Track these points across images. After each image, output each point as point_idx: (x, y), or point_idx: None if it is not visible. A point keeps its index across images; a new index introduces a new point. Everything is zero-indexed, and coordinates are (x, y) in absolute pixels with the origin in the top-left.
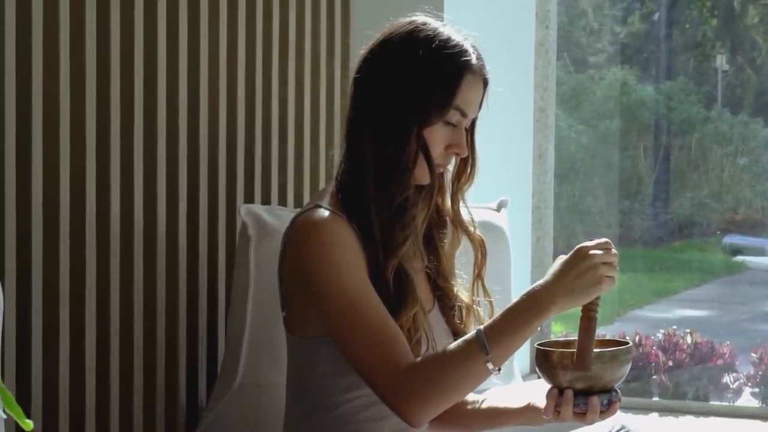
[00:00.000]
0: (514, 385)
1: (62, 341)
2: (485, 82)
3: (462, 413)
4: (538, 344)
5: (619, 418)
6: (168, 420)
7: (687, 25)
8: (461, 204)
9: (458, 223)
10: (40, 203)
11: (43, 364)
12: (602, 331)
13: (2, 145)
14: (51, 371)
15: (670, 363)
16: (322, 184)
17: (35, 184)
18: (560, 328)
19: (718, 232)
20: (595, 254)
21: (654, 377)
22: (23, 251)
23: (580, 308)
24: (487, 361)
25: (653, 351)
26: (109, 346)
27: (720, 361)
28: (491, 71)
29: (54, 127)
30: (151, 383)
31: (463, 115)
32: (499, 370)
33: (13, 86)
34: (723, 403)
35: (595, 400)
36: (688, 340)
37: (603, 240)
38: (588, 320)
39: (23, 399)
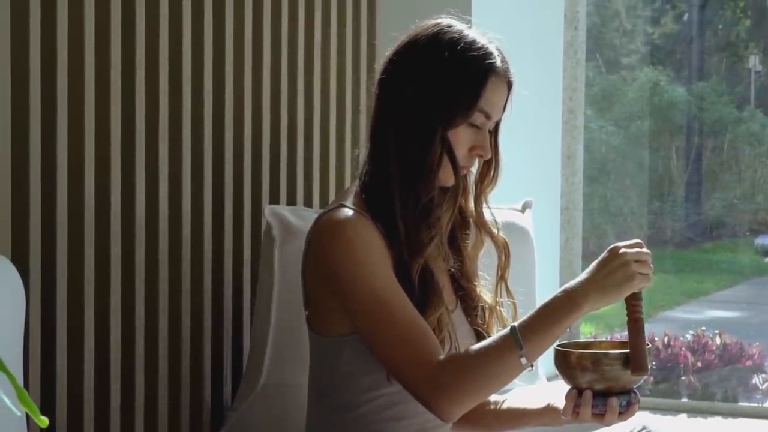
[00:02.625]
0: (537, 387)
1: (87, 341)
2: (509, 85)
3: (483, 413)
4: (557, 345)
5: (643, 418)
6: (193, 420)
7: (720, 26)
8: (484, 206)
9: (481, 225)
10: (65, 202)
11: (68, 364)
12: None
13: (27, 146)
14: (76, 370)
15: (699, 364)
16: (347, 185)
17: (60, 183)
18: (590, 329)
19: (747, 233)
20: (626, 252)
21: (683, 378)
22: (48, 251)
23: (626, 314)
24: (521, 356)
25: (682, 352)
26: (134, 345)
27: (749, 362)
28: (518, 73)
29: (79, 126)
30: (176, 383)
31: (487, 117)
32: (532, 366)
33: (38, 87)
34: (752, 404)
35: (614, 401)
36: (717, 341)
37: (634, 241)
38: (635, 321)
39: (48, 398)
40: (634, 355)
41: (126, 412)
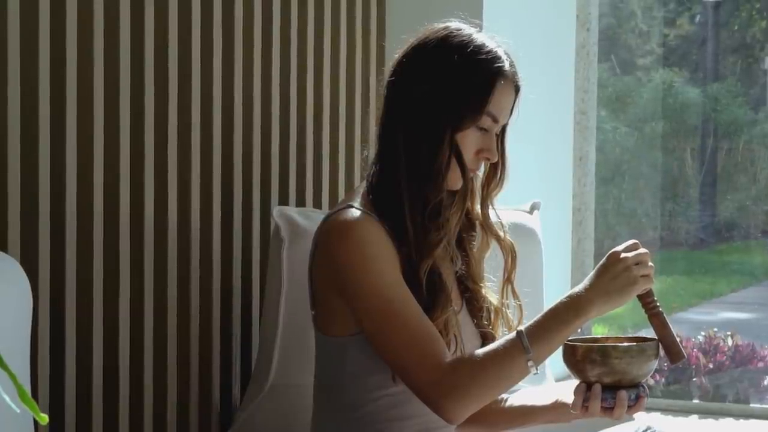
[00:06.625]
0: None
1: (95, 341)
2: (517, 89)
3: (489, 411)
4: (567, 340)
5: (650, 418)
6: (202, 420)
7: (735, 27)
8: (491, 209)
9: (488, 227)
10: (74, 203)
11: (77, 364)
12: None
13: (36, 147)
14: (85, 371)
15: (711, 365)
16: (356, 187)
17: (69, 185)
18: (602, 329)
19: (760, 235)
20: (626, 257)
21: (694, 379)
22: (57, 252)
23: (645, 312)
24: (528, 361)
25: (693, 353)
26: (143, 346)
27: (761, 364)
28: (530, 74)
29: (88, 127)
30: (185, 384)
31: (495, 120)
32: (537, 370)
33: (47, 88)
34: (763, 406)
35: (623, 395)
36: (729, 342)
37: (631, 242)
38: (655, 316)
39: (57, 398)
40: (666, 346)
41: (135, 412)
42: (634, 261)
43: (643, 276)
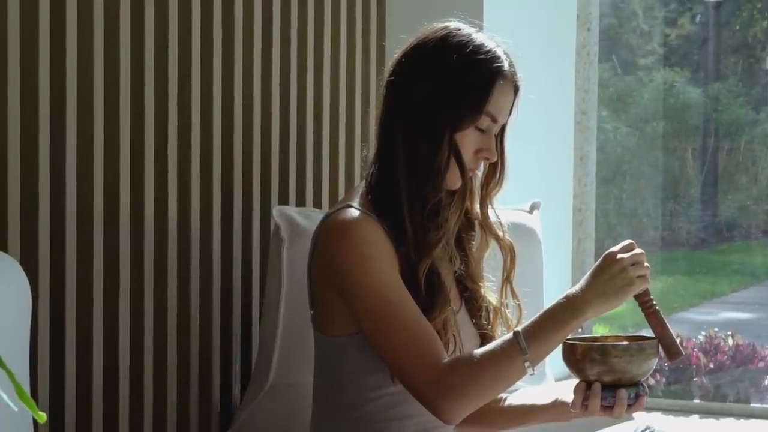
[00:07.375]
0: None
1: (95, 341)
2: (516, 89)
3: (488, 410)
4: (566, 339)
5: (651, 418)
6: (202, 419)
7: (736, 27)
8: (490, 208)
9: (487, 227)
10: (74, 203)
11: (77, 364)
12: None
13: (36, 147)
14: (85, 371)
15: (711, 365)
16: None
17: (69, 185)
18: (603, 329)
19: (761, 235)
20: (623, 258)
21: (695, 379)
22: (57, 253)
23: (642, 312)
24: (525, 361)
25: (694, 353)
26: (143, 346)
27: (761, 364)
28: (530, 74)
29: (88, 127)
30: (185, 383)
31: (494, 120)
32: (534, 371)
33: (47, 89)
34: (764, 406)
35: (623, 393)
36: (729, 342)
37: (627, 242)
38: (653, 315)
39: (57, 398)
40: (665, 345)
41: (135, 412)
42: (630, 262)
43: (639, 276)
